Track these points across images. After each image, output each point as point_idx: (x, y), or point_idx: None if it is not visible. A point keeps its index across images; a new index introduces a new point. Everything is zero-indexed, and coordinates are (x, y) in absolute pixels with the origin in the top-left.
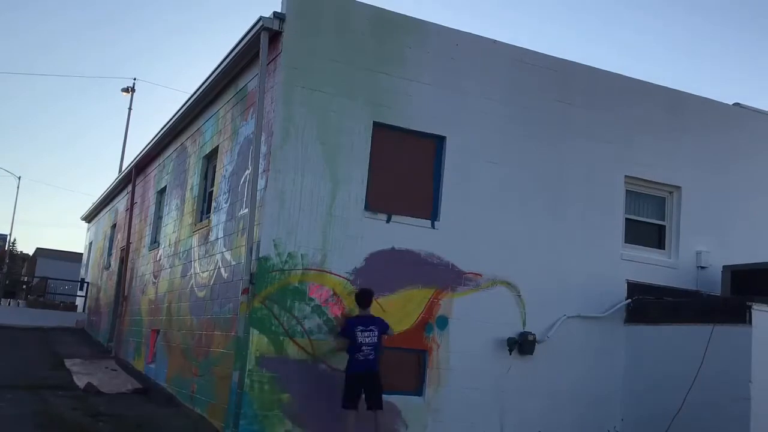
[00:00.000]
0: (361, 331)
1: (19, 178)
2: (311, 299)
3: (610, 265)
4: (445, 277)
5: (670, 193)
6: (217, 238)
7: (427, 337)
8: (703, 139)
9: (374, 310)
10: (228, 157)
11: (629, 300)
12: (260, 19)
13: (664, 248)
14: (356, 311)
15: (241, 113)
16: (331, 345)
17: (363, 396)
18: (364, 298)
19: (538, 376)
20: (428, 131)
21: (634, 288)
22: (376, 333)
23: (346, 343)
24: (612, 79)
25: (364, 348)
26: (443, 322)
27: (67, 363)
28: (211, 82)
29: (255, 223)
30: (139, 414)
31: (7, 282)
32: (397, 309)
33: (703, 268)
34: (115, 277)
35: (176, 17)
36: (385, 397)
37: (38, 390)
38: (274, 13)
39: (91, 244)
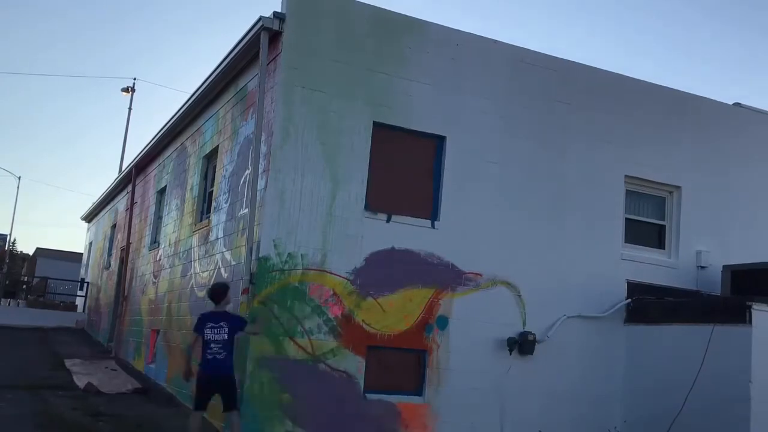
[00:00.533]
0: (211, 327)
1: (19, 178)
2: (311, 299)
3: (610, 265)
4: (445, 277)
5: (670, 193)
6: (217, 238)
7: (427, 337)
8: (703, 139)
9: (374, 309)
10: (228, 157)
11: (629, 300)
12: (260, 19)
13: (664, 248)
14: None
15: (241, 113)
16: (330, 345)
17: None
18: (216, 292)
19: (538, 376)
20: (428, 131)
21: (634, 288)
22: (226, 330)
23: (195, 340)
24: (612, 79)
25: (212, 345)
26: (443, 322)
27: (67, 363)
28: (211, 82)
29: (255, 223)
30: (139, 414)
31: (7, 282)
32: (397, 309)
33: (703, 268)
34: (115, 277)
35: (176, 17)
36: (384, 397)
37: (38, 390)
38: (274, 13)
39: (91, 244)
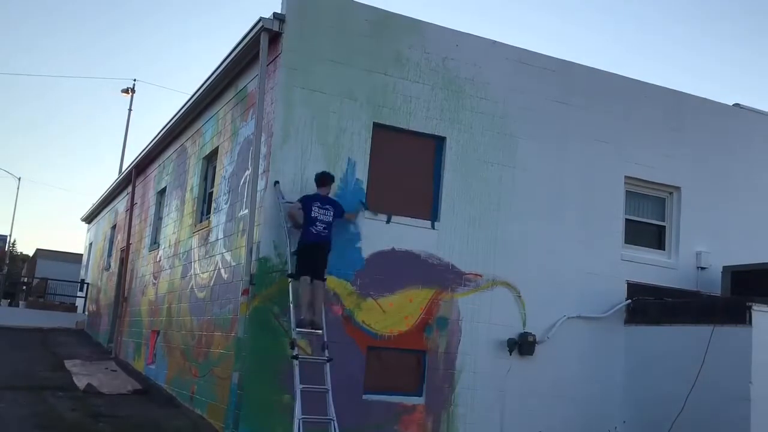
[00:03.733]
0: (318, 207)
1: (19, 179)
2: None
3: (610, 265)
4: (445, 277)
5: (670, 193)
6: (217, 239)
7: (427, 338)
8: (702, 140)
9: (375, 310)
10: (228, 157)
11: (629, 300)
12: (260, 20)
13: (664, 249)
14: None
15: (241, 114)
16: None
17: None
18: (323, 178)
19: (539, 377)
20: (428, 131)
21: (634, 288)
22: (332, 213)
23: (299, 217)
24: (612, 79)
25: (318, 223)
26: (443, 323)
27: (67, 364)
28: (211, 82)
29: (255, 224)
30: (139, 414)
31: (7, 283)
32: (397, 310)
33: (702, 268)
34: (115, 278)
35: (176, 18)
36: (384, 397)
37: (38, 391)
38: (274, 14)
39: (91, 245)
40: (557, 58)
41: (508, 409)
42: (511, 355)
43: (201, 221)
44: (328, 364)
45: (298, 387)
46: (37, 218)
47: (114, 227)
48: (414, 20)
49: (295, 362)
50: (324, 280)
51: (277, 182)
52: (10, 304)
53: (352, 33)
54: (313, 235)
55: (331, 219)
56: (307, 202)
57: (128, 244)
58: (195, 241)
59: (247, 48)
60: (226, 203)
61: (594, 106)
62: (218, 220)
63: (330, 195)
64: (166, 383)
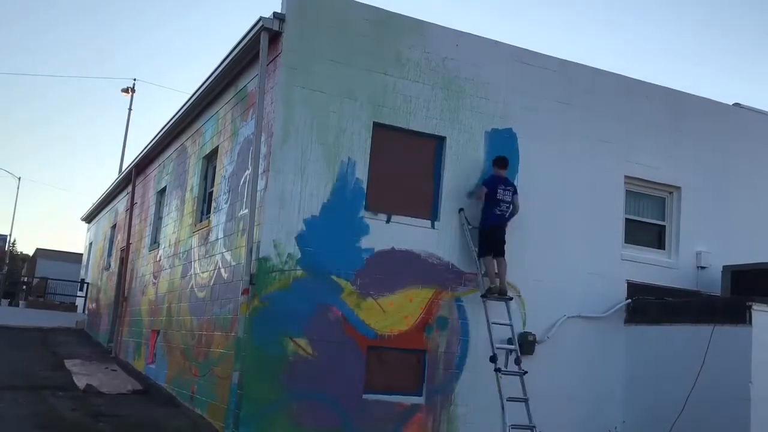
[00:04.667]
0: (503, 189)
1: (19, 178)
2: (312, 300)
3: (610, 265)
4: (445, 277)
5: (670, 193)
6: (217, 239)
7: (427, 338)
8: (703, 140)
9: (375, 310)
10: (228, 157)
11: (629, 300)
12: (260, 19)
13: (664, 248)
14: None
15: (241, 114)
16: (330, 345)
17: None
18: (503, 160)
19: (538, 377)
20: (428, 131)
21: (634, 288)
22: (511, 193)
23: (482, 195)
24: (612, 79)
25: (502, 204)
26: (443, 323)
27: (67, 363)
28: (211, 82)
29: (255, 224)
30: (139, 414)
31: (7, 283)
32: (397, 309)
33: (703, 268)
34: (115, 278)
35: (176, 18)
36: (384, 397)
37: (38, 390)
38: (274, 13)
39: (91, 244)
40: (557, 58)
41: (508, 409)
42: (511, 354)
43: (201, 221)
44: (523, 376)
45: (504, 398)
46: (37, 218)
47: (114, 227)
48: (414, 20)
49: (499, 375)
50: (503, 256)
51: (461, 209)
52: (10, 304)
53: (352, 33)
54: (497, 216)
55: (511, 199)
56: (491, 184)
57: (128, 244)
58: (195, 241)
59: (247, 48)
60: (226, 203)
61: (594, 106)
62: (218, 219)
63: (331, 195)
64: (166, 383)
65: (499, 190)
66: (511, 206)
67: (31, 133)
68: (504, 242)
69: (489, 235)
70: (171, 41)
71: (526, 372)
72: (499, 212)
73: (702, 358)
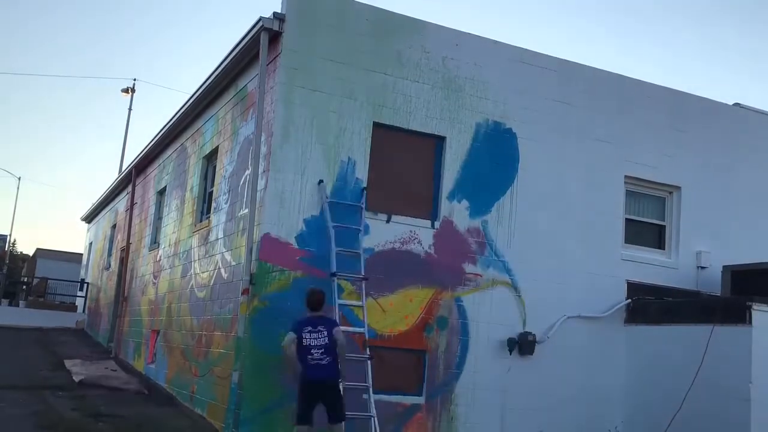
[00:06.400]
0: (309, 332)
1: (19, 178)
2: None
3: (610, 265)
4: (445, 277)
5: (670, 193)
6: (217, 239)
7: (427, 338)
8: (703, 140)
9: (375, 310)
10: (228, 157)
11: (629, 300)
12: (260, 19)
13: (664, 248)
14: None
15: (241, 113)
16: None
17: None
18: (313, 298)
19: (538, 377)
20: (428, 131)
21: (634, 288)
22: (325, 333)
23: (289, 345)
24: (612, 79)
25: (313, 351)
26: (443, 323)
27: (68, 363)
28: (211, 82)
29: (255, 224)
30: (139, 414)
31: (7, 283)
32: (397, 309)
33: (703, 268)
34: (115, 278)
35: (176, 18)
36: (386, 397)
37: (39, 390)
38: (274, 13)
39: (91, 244)
40: (557, 58)
41: (509, 409)
42: (511, 354)
43: (201, 221)
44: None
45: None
46: (37, 218)
47: (114, 227)
48: (414, 20)
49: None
50: (344, 420)
51: (321, 181)
52: (10, 304)
53: (352, 33)
54: (313, 369)
55: (327, 341)
56: (296, 328)
57: (128, 244)
58: (195, 241)
59: (247, 48)
60: (226, 203)
61: (594, 105)
62: (218, 219)
63: (330, 196)
64: (166, 383)
65: (304, 335)
66: (330, 350)
67: (31, 133)
68: (335, 403)
69: (301, 397)
70: (171, 41)
71: (372, 357)
72: (313, 363)
73: (702, 358)
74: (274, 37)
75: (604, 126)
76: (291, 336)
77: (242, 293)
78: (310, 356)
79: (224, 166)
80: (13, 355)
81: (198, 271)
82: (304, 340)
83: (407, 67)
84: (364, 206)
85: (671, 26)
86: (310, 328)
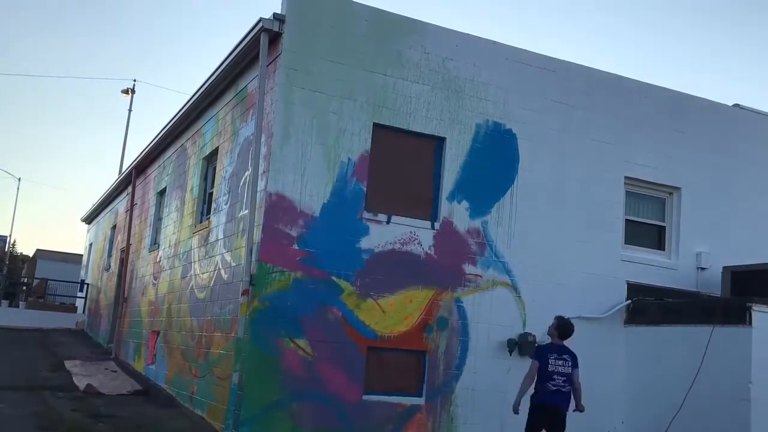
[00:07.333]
0: (555, 359)
1: (19, 179)
2: (311, 300)
3: (610, 266)
4: (445, 278)
5: (670, 194)
6: (217, 240)
7: (427, 338)
8: (702, 140)
9: (375, 310)
10: (228, 158)
11: (629, 301)
12: (260, 20)
13: (664, 249)
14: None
15: (241, 114)
16: (330, 346)
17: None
18: (568, 328)
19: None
20: (428, 132)
21: (634, 289)
22: (570, 363)
23: (534, 370)
24: (611, 79)
25: (556, 377)
26: (443, 323)
27: (68, 364)
28: (211, 83)
29: (255, 225)
30: (138, 415)
31: (7, 283)
32: (397, 310)
33: (703, 269)
34: (115, 279)
35: (176, 19)
36: (384, 398)
37: (38, 391)
38: (274, 14)
39: (91, 245)
40: (557, 58)
41: (509, 409)
42: (511, 355)
43: (201, 222)
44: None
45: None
46: (37, 218)
47: (114, 228)
48: (414, 20)
49: None
50: None
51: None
52: (10, 305)
53: (352, 33)
54: (551, 395)
55: (569, 371)
56: (541, 352)
57: (128, 245)
58: (195, 242)
59: (247, 48)
60: (226, 204)
61: (594, 106)
62: (218, 220)
63: (331, 195)
64: (166, 383)
65: (550, 360)
66: (571, 381)
67: (32, 133)
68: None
69: (531, 418)
70: (171, 42)
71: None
72: (553, 388)
73: (702, 358)
74: (274, 38)
75: (604, 126)
76: (536, 364)
77: (242, 294)
78: (552, 382)
79: (224, 166)
80: (13, 356)
81: (198, 271)
82: (549, 366)
83: (407, 68)
84: (364, 207)
85: (671, 27)
86: (556, 355)
